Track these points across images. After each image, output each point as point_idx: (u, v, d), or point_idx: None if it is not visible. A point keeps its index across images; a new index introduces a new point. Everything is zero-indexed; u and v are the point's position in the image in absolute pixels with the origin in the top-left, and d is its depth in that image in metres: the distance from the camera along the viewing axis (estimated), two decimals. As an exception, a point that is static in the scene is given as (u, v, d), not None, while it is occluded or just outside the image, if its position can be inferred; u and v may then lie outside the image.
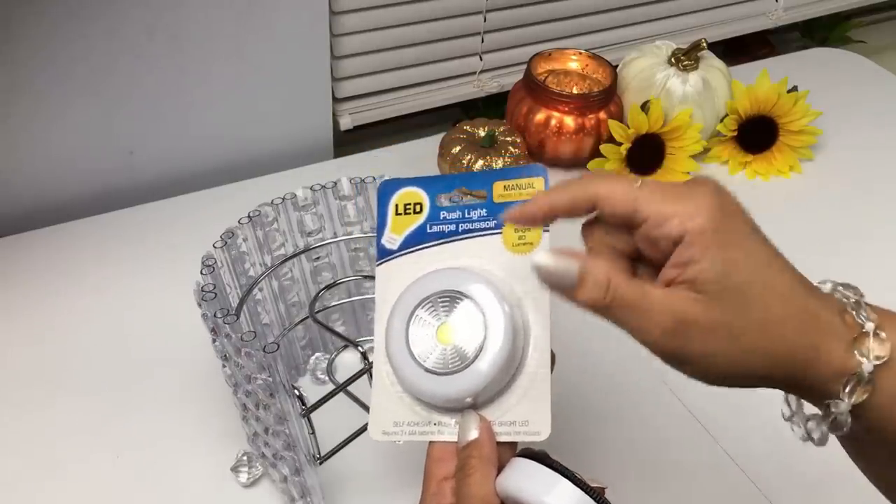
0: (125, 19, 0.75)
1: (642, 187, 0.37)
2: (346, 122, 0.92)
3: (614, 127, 0.82)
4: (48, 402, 0.64)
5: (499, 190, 0.44)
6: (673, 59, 0.87)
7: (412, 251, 0.44)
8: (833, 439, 0.37)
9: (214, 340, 0.51)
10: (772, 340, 0.35)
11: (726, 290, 0.35)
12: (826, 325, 0.35)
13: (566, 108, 0.85)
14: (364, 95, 0.93)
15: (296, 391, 0.49)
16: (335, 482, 0.58)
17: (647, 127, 0.83)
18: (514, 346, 0.40)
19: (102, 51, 0.76)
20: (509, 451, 0.40)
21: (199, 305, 0.51)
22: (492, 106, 1.03)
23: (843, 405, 0.34)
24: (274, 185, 0.86)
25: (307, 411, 0.50)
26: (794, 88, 0.87)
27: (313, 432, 0.51)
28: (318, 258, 0.62)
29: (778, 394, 0.38)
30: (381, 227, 0.45)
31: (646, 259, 0.38)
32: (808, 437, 0.37)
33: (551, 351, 0.41)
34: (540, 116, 0.86)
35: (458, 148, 0.82)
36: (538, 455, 0.38)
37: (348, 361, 0.67)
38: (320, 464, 0.53)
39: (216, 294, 0.51)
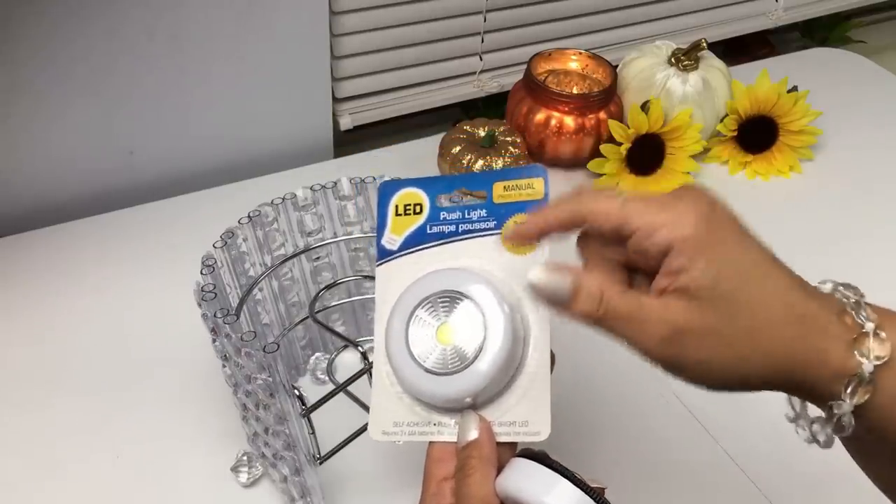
0: (125, 19, 0.75)
1: (629, 200, 0.37)
2: (346, 122, 0.92)
3: (614, 127, 0.82)
4: (48, 401, 0.64)
5: (499, 190, 0.44)
6: (673, 59, 0.87)
7: (412, 252, 0.45)
8: (835, 439, 0.37)
9: (214, 340, 0.51)
10: (766, 344, 0.35)
11: (718, 296, 0.35)
12: (823, 327, 0.35)
13: (566, 108, 0.85)
14: (364, 95, 0.93)
15: (296, 391, 0.49)
16: (335, 482, 0.58)
17: (647, 127, 0.83)
18: (514, 346, 0.40)
19: (102, 51, 0.76)
20: (509, 451, 0.40)
21: (199, 305, 0.51)
22: (492, 106, 1.03)
23: (846, 406, 0.34)
24: (274, 185, 0.86)
25: (307, 411, 0.50)
26: (794, 88, 0.87)
27: (313, 432, 0.51)
28: (318, 258, 0.62)
29: (778, 393, 0.38)
30: (381, 228, 0.45)
31: (641, 269, 0.39)
32: (814, 439, 0.37)
33: (551, 351, 0.41)
34: (540, 116, 0.86)
35: (458, 148, 0.82)
36: (538, 455, 0.38)
37: (348, 361, 0.67)
38: (320, 464, 0.53)
39: (216, 294, 0.51)
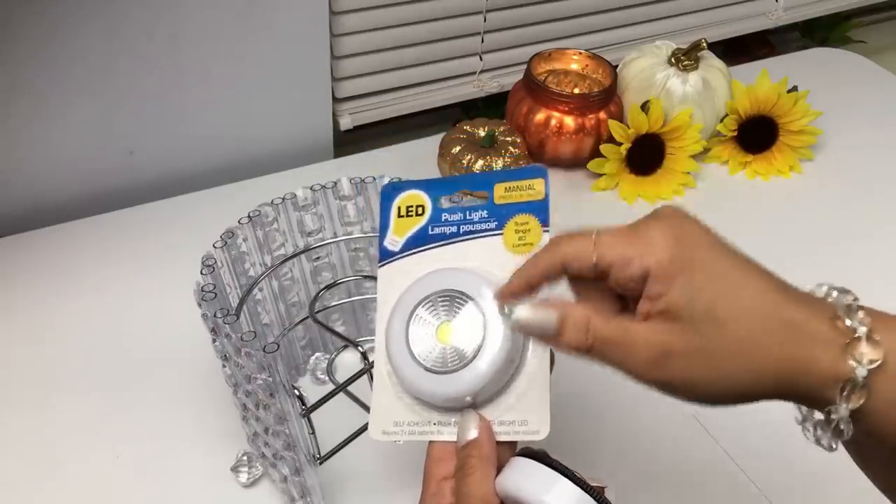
0: (125, 19, 0.75)
1: (600, 237, 0.38)
2: (346, 122, 0.92)
3: (614, 127, 0.82)
4: (48, 401, 0.64)
5: (500, 191, 0.44)
6: (673, 59, 0.87)
7: (414, 253, 0.45)
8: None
9: (214, 340, 0.51)
10: (754, 356, 0.35)
11: (698, 315, 0.35)
12: (812, 333, 0.35)
13: (566, 108, 0.85)
14: (364, 95, 0.93)
15: (296, 391, 0.49)
16: (335, 482, 0.58)
17: (647, 127, 0.83)
18: (514, 345, 0.40)
19: (102, 51, 0.76)
20: (509, 450, 0.40)
21: (199, 305, 0.51)
22: (492, 106, 1.03)
23: (842, 411, 0.34)
24: (274, 185, 0.86)
25: (307, 411, 0.50)
26: (794, 88, 0.87)
27: (313, 432, 0.51)
28: (318, 258, 0.62)
29: (778, 394, 0.38)
30: (383, 229, 0.46)
31: (630, 295, 0.39)
32: (819, 442, 0.37)
33: (551, 351, 0.41)
34: (540, 116, 0.85)
35: (458, 148, 0.82)
36: (538, 454, 0.38)
37: (348, 361, 0.67)
38: (320, 464, 0.53)
39: (216, 294, 0.51)
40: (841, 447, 0.38)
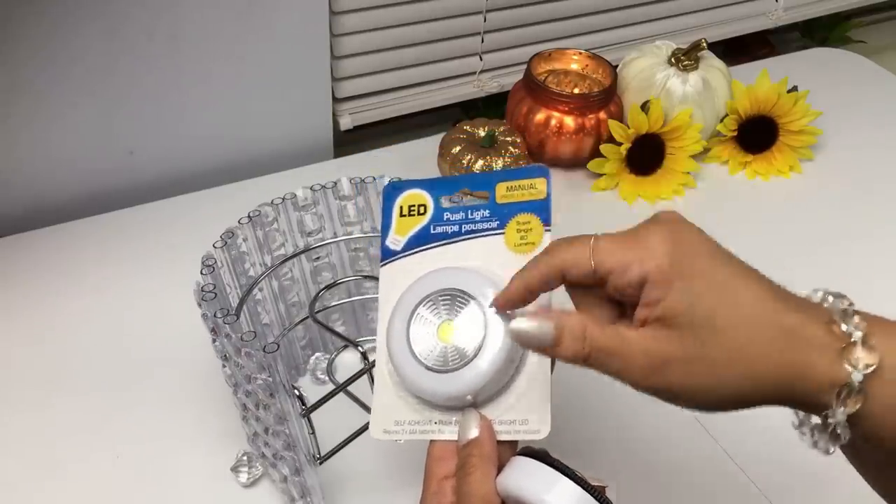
0: (125, 19, 0.75)
1: (598, 242, 0.38)
2: (346, 122, 0.92)
3: (614, 127, 0.82)
4: (48, 401, 0.64)
5: (501, 191, 0.44)
6: (673, 59, 0.87)
7: (416, 252, 0.45)
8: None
9: (214, 340, 0.51)
10: (751, 362, 0.35)
11: (695, 322, 0.35)
12: (808, 339, 0.35)
13: (566, 108, 0.85)
14: (364, 95, 0.93)
15: (296, 391, 0.49)
16: (335, 482, 0.58)
17: (647, 127, 0.83)
18: (515, 345, 0.40)
19: (102, 51, 0.76)
20: (509, 449, 0.40)
21: (199, 305, 0.51)
22: (492, 106, 1.03)
23: (838, 416, 0.34)
24: (274, 185, 0.86)
25: (307, 411, 0.50)
26: (794, 88, 0.87)
27: (313, 432, 0.51)
28: (318, 258, 0.62)
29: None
30: (385, 229, 0.46)
31: (629, 301, 0.39)
32: (815, 446, 0.37)
33: (551, 351, 0.41)
34: (540, 116, 0.85)
35: (458, 148, 0.82)
36: (538, 454, 0.38)
37: (348, 361, 0.67)
38: (320, 464, 0.53)
39: (216, 294, 0.51)
40: (839, 451, 0.38)
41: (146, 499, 0.58)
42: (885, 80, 1.06)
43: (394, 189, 0.47)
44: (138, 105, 0.81)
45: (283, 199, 0.58)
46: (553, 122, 0.85)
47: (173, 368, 0.66)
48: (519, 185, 0.44)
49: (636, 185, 0.85)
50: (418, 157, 0.89)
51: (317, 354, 0.67)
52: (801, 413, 0.38)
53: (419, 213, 0.46)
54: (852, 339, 0.34)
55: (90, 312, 0.71)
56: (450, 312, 0.41)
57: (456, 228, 0.45)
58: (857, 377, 0.33)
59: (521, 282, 0.40)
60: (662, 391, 0.36)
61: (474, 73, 0.98)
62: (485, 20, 0.93)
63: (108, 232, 0.80)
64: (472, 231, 0.44)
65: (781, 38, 1.26)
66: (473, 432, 0.40)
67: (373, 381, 0.50)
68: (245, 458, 0.59)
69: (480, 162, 0.80)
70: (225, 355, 0.51)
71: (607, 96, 0.86)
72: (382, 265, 0.45)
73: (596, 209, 0.84)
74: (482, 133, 0.84)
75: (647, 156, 0.85)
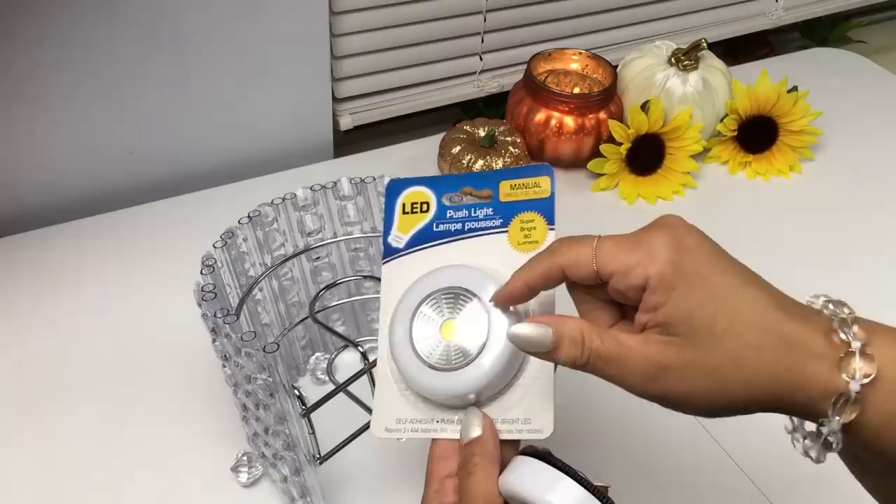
0: (125, 20, 0.75)
1: (601, 244, 0.38)
2: (346, 122, 0.92)
3: (614, 127, 0.82)
4: (48, 401, 0.64)
5: (505, 189, 0.44)
6: (673, 59, 0.87)
7: (418, 249, 0.45)
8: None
9: (214, 340, 0.51)
10: (749, 370, 0.35)
11: (695, 329, 0.35)
12: (807, 347, 0.35)
13: (566, 108, 0.85)
14: (364, 95, 0.93)
15: (296, 391, 0.49)
16: (335, 482, 0.58)
17: (647, 127, 0.83)
18: (517, 344, 0.40)
19: (102, 51, 0.76)
20: (512, 449, 0.40)
21: (199, 305, 0.51)
22: (492, 106, 1.03)
23: (833, 425, 0.34)
24: (274, 185, 0.86)
25: (307, 411, 0.50)
26: (794, 88, 0.87)
27: (313, 432, 0.51)
28: (318, 258, 0.62)
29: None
30: (387, 226, 0.46)
31: (630, 304, 0.39)
32: (806, 454, 0.37)
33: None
34: (540, 116, 0.85)
35: (458, 148, 0.82)
36: (541, 453, 0.38)
37: (348, 361, 0.67)
38: (320, 464, 0.53)
39: (216, 294, 0.51)
40: (836, 457, 0.38)
41: (146, 498, 0.58)
42: (885, 80, 1.06)
43: (396, 186, 0.46)
44: (138, 105, 0.81)
45: (283, 199, 0.58)
46: (553, 122, 0.85)
47: (173, 368, 0.66)
48: (523, 184, 0.44)
49: (636, 185, 0.85)
50: (418, 157, 0.89)
51: (317, 354, 0.67)
52: (795, 419, 0.38)
53: (422, 211, 0.45)
54: (851, 349, 0.34)
55: (90, 312, 0.71)
56: (453, 310, 0.41)
57: (459, 226, 0.45)
58: (854, 387, 0.33)
59: (521, 279, 0.40)
60: (661, 397, 0.36)
61: (474, 73, 0.98)
62: (485, 20, 0.93)
63: (108, 232, 0.80)
64: (476, 229, 0.44)
65: (781, 38, 1.26)
66: (476, 431, 0.39)
67: (373, 381, 0.50)
68: (245, 458, 0.59)
69: (480, 162, 0.80)
70: (225, 355, 0.51)
71: (607, 96, 0.86)
72: (384, 262, 0.45)
73: (596, 209, 0.84)
74: (482, 133, 0.84)
75: (647, 156, 0.85)
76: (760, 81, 0.86)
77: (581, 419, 0.63)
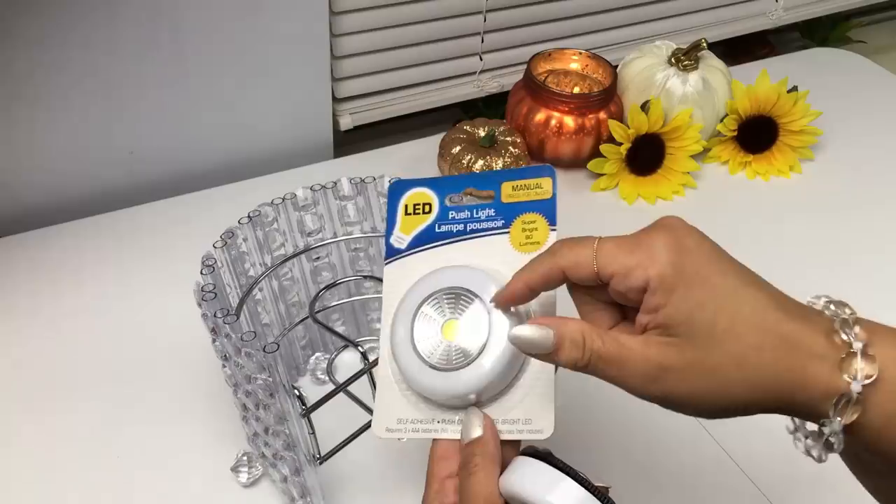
0: (125, 20, 0.75)
1: (602, 245, 0.38)
2: (346, 122, 0.92)
3: (614, 127, 0.82)
4: (47, 401, 0.64)
5: (507, 190, 0.44)
6: (673, 59, 0.87)
7: (420, 250, 0.45)
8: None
9: (214, 340, 0.51)
10: (749, 371, 0.35)
11: (695, 330, 0.35)
12: (808, 348, 0.35)
13: (566, 108, 0.85)
14: (364, 95, 0.93)
15: (296, 391, 0.49)
16: (335, 482, 0.58)
17: (647, 127, 0.83)
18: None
19: (102, 51, 0.76)
20: (512, 449, 0.40)
21: (199, 305, 0.51)
22: (492, 106, 1.03)
23: (835, 425, 0.34)
24: (274, 185, 0.86)
25: (307, 411, 0.50)
26: (794, 88, 0.87)
27: (313, 432, 0.51)
28: (318, 258, 0.62)
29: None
30: (390, 227, 0.46)
31: (631, 306, 0.39)
32: (808, 453, 0.37)
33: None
34: (540, 116, 0.85)
35: (458, 148, 0.82)
36: (542, 454, 0.38)
37: (348, 361, 0.67)
38: (320, 464, 0.53)
39: (216, 294, 0.51)
40: (837, 457, 0.38)
41: (146, 498, 0.58)
42: (885, 80, 1.06)
43: (399, 187, 0.47)
44: (138, 105, 0.81)
45: (283, 199, 0.58)
46: (553, 122, 0.85)
47: (173, 368, 0.66)
48: (525, 185, 0.44)
49: (636, 185, 0.85)
50: (418, 157, 0.89)
51: (317, 354, 0.67)
52: (797, 419, 0.38)
53: (424, 212, 0.46)
54: (852, 349, 0.34)
55: (90, 312, 0.71)
56: (454, 311, 0.41)
57: (461, 227, 0.45)
58: (855, 388, 0.33)
59: (522, 280, 0.40)
60: (662, 398, 0.36)
61: (474, 73, 0.97)
62: (485, 20, 0.93)
63: (108, 232, 0.80)
64: (477, 230, 0.44)
65: (781, 38, 1.26)
66: (477, 431, 0.39)
67: (373, 380, 0.50)
68: (245, 458, 0.59)
69: (480, 162, 0.80)
70: (225, 355, 0.51)
71: (607, 96, 0.86)
72: (387, 263, 0.45)
73: (596, 209, 0.84)
74: (482, 133, 0.84)
75: (647, 156, 0.85)
76: (760, 81, 0.86)
77: (582, 420, 0.63)
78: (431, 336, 0.41)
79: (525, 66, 0.88)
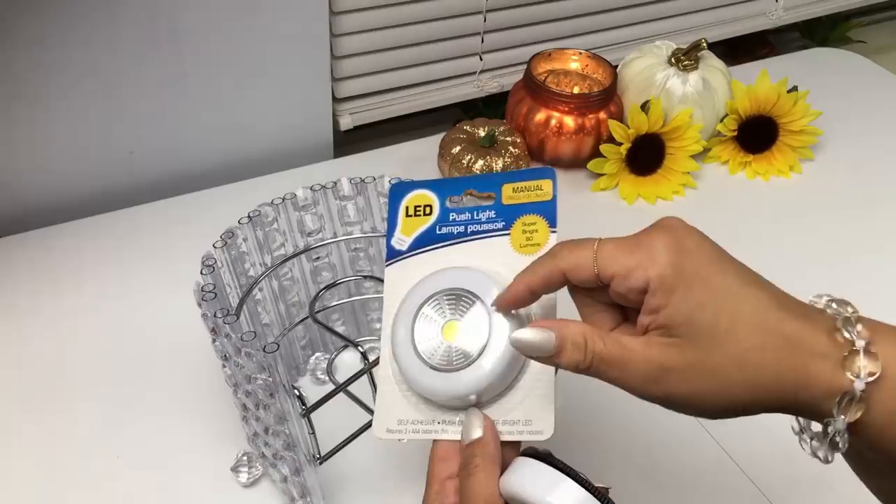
0: (125, 20, 0.75)
1: (602, 247, 0.38)
2: (346, 122, 0.92)
3: (614, 127, 0.82)
4: (48, 401, 0.64)
5: (508, 192, 0.44)
6: (673, 59, 0.87)
7: (421, 252, 0.45)
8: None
9: (214, 340, 0.51)
10: (751, 371, 0.35)
11: (696, 330, 0.35)
12: (810, 347, 0.34)
13: (566, 108, 0.85)
14: (364, 95, 0.93)
15: (296, 391, 0.49)
16: (335, 482, 0.58)
17: (647, 127, 0.83)
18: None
19: (102, 51, 0.76)
20: (513, 450, 0.40)
21: (199, 305, 0.51)
22: (492, 106, 1.03)
23: (839, 424, 0.34)
24: (274, 185, 0.86)
25: (307, 411, 0.50)
26: (794, 88, 0.87)
27: (313, 432, 0.51)
28: (318, 258, 0.62)
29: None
30: (391, 228, 0.46)
31: (632, 307, 0.39)
32: (814, 454, 0.37)
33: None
34: (540, 116, 0.85)
35: (458, 148, 0.82)
36: (542, 454, 0.38)
37: (348, 361, 0.66)
38: (320, 464, 0.53)
39: (216, 294, 0.51)
40: (839, 457, 0.38)
41: (146, 499, 0.58)
42: (885, 80, 1.06)
43: (400, 189, 0.47)
44: (138, 105, 0.81)
45: (283, 199, 0.58)
46: (553, 122, 0.85)
47: (173, 368, 0.66)
48: (525, 187, 0.44)
49: (636, 185, 0.85)
50: (418, 157, 0.89)
51: (317, 354, 0.67)
52: (802, 420, 0.38)
53: (425, 214, 0.46)
54: (855, 347, 0.34)
55: (90, 312, 0.71)
56: (455, 312, 0.41)
57: (462, 229, 0.45)
58: (858, 386, 0.33)
59: (522, 283, 0.40)
60: (663, 399, 0.36)
61: (474, 73, 0.97)
62: (485, 20, 0.93)
63: (108, 232, 0.80)
64: (478, 232, 0.44)
65: (781, 38, 1.26)
66: (477, 432, 0.39)
67: (373, 380, 0.50)
68: (245, 458, 0.59)
69: (480, 162, 0.80)
70: (225, 355, 0.51)
71: (607, 96, 0.86)
72: (388, 265, 0.45)
73: (596, 209, 0.84)
74: (482, 133, 0.84)
75: (647, 156, 0.85)
76: (760, 81, 0.86)
77: (582, 421, 0.63)
78: (432, 337, 0.41)
79: (525, 66, 0.88)
